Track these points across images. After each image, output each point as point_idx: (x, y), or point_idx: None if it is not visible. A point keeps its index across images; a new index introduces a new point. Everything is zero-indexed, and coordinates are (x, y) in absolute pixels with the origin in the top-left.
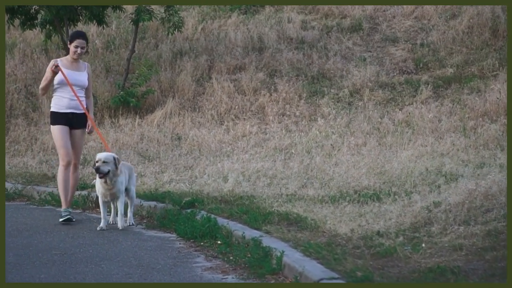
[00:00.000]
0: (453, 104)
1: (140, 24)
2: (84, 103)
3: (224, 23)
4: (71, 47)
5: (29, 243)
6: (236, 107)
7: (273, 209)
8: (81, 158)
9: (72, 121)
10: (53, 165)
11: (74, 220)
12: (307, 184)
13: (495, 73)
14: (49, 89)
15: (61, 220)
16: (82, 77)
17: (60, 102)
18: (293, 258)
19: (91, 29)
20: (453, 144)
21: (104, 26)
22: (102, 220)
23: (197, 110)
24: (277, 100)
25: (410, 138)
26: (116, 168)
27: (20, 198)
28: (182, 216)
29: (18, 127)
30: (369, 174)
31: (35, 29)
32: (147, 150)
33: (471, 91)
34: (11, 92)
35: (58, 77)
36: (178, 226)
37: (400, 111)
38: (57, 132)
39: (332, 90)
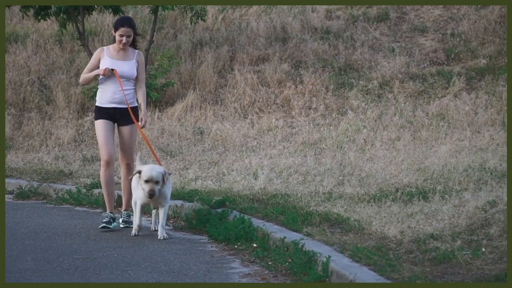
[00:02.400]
0: (489, 96)
1: (158, 13)
2: (132, 96)
3: (246, 13)
4: (116, 36)
5: (48, 246)
6: (260, 99)
7: (311, 209)
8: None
9: (116, 116)
10: (69, 161)
11: (112, 226)
12: (344, 181)
13: None
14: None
15: (99, 226)
16: (129, 67)
17: (103, 95)
18: (341, 264)
19: (107, 19)
20: (492, 138)
21: (120, 14)
22: (136, 226)
23: (219, 103)
24: (303, 92)
25: (446, 132)
26: (164, 183)
27: (36, 196)
28: (212, 217)
29: (32, 121)
30: (408, 170)
31: (49, 19)
32: (168, 145)
33: (505, 82)
34: (24, 85)
35: (103, 67)
36: (209, 227)
37: (433, 104)
38: (99, 127)
39: (360, 82)
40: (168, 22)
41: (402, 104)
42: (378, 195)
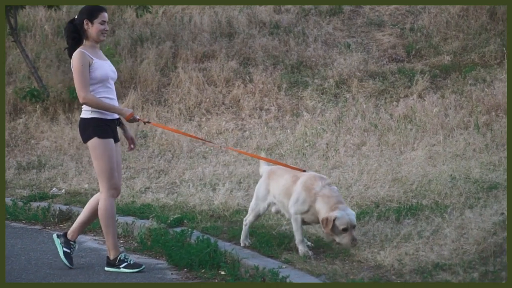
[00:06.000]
0: (457, 96)
1: None
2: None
3: (188, 6)
4: (95, 26)
5: None
6: (207, 100)
7: (283, 229)
8: (34, 159)
9: (115, 130)
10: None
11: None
12: None
13: (498, 60)
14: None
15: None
16: (112, 66)
17: None
18: None
19: (39, 13)
20: (468, 143)
21: (55, 9)
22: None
23: (163, 103)
24: (253, 92)
25: (415, 136)
26: None
27: None
28: (170, 237)
29: None
30: (384, 181)
31: None
32: None
33: (474, 81)
34: None
35: (101, 71)
36: (167, 250)
37: (397, 104)
38: (107, 148)
39: (315, 81)
40: None
41: (364, 105)
42: (357, 211)
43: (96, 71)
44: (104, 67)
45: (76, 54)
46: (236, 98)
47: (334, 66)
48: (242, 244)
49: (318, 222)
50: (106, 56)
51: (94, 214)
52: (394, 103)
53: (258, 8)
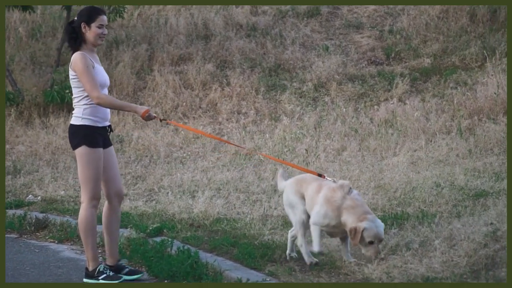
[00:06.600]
0: (439, 100)
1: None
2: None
3: (163, 8)
4: (93, 30)
5: None
6: (184, 103)
7: (265, 238)
8: (9, 165)
9: (106, 136)
10: None
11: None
12: None
13: (479, 63)
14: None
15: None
16: (105, 72)
17: (100, 112)
18: None
19: (13, 15)
20: (450, 148)
21: (30, 11)
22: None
23: None
24: (231, 95)
25: (396, 141)
26: None
27: None
28: (150, 247)
29: None
30: (367, 188)
31: None
32: None
33: (455, 84)
34: None
35: (100, 77)
36: (148, 261)
37: (377, 108)
38: (95, 158)
39: (293, 84)
40: None
41: (343, 109)
42: None
43: (96, 77)
44: (103, 73)
45: (77, 56)
46: (213, 101)
47: (312, 69)
48: (308, 262)
49: (340, 235)
50: None
51: (110, 226)
52: (375, 107)
53: (234, 10)
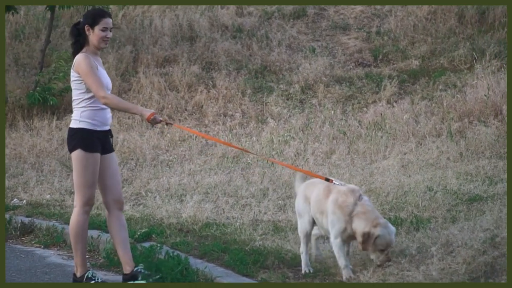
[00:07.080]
0: (428, 103)
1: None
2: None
3: (148, 9)
4: (96, 33)
5: None
6: (169, 105)
7: (257, 244)
8: None
9: (105, 142)
10: None
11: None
12: (285, 206)
13: (468, 65)
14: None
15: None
16: (107, 75)
17: (99, 116)
18: None
19: None
20: (441, 151)
21: (13, 12)
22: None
23: None
24: (217, 97)
25: (386, 144)
26: None
27: None
28: (138, 253)
29: None
30: None
31: None
32: (69, 158)
33: (444, 87)
34: None
35: (103, 80)
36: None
37: (365, 111)
38: (90, 163)
39: (280, 86)
40: (63, 20)
41: (331, 112)
42: None
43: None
44: (105, 76)
45: (81, 58)
46: (199, 103)
47: (299, 71)
48: (303, 271)
49: (351, 240)
50: (66, 61)
51: (119, 234)
52: (364, 109)
53: (220, 11)
